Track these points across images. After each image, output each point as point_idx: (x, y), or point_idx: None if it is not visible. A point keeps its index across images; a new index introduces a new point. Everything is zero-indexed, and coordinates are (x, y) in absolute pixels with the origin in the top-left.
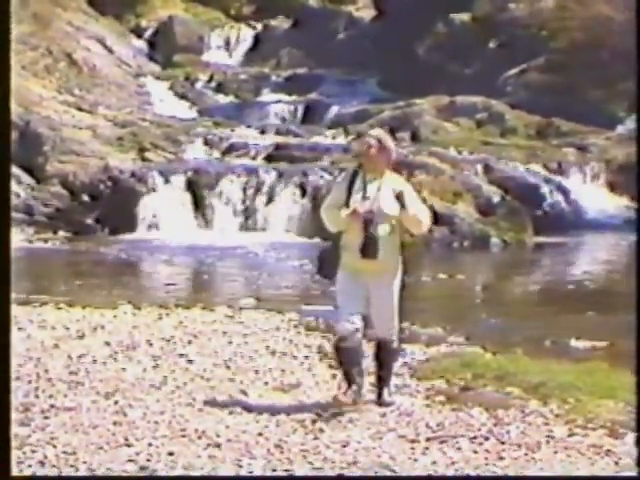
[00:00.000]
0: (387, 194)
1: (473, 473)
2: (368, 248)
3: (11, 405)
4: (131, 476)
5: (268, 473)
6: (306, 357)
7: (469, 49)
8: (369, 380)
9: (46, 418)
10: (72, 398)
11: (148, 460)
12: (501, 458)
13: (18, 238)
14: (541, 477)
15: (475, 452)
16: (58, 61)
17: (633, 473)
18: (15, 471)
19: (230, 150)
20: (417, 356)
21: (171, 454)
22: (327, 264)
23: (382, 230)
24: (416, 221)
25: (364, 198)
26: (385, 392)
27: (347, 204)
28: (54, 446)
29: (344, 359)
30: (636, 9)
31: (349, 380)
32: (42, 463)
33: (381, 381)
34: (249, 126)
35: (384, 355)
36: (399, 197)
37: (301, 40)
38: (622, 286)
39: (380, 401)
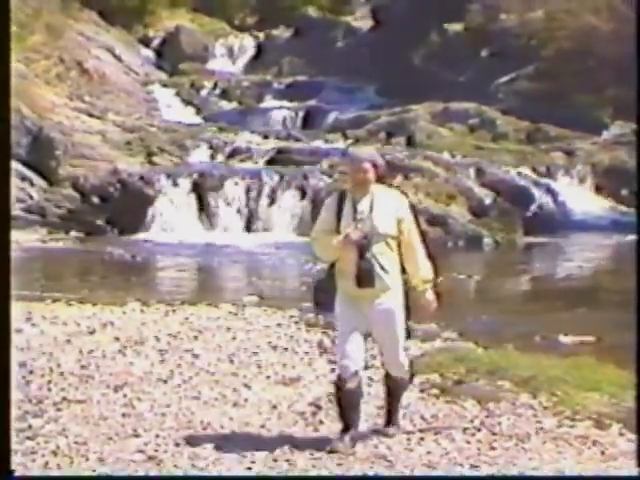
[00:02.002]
0: (381, 211)
1: (466, 463)
2: (364, 277)
3: (11, 405)
4: (131, 476)
5: (270, 463)
6: (306, 352)
7: (462, 58)
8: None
9: (58, 410)
10: (83, 391)
11: (155, 450)
12: (492, 448)
13: (32, 238)
14: (543, 477)
15: (468, 443)
16: (70, 69)
17: (617, 463)
18: (28, 460)
19: (234, 154)
20: (412, 351)
21: (177, 445)
22: (324, 295)
23: (378, 251)
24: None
25: (356, 220)
26: (394, 419)
27: (338, 230)
28: (66, 436)
29: (345, 402)
30: (636, 15)
31: (346, 423)
32: (54, 453)
33: (389, 407)
34: (252, 131)
35: (393, 386)
36: (399, 224)
37: (301, 49)
38: (608, 284)
39: (384, 430)
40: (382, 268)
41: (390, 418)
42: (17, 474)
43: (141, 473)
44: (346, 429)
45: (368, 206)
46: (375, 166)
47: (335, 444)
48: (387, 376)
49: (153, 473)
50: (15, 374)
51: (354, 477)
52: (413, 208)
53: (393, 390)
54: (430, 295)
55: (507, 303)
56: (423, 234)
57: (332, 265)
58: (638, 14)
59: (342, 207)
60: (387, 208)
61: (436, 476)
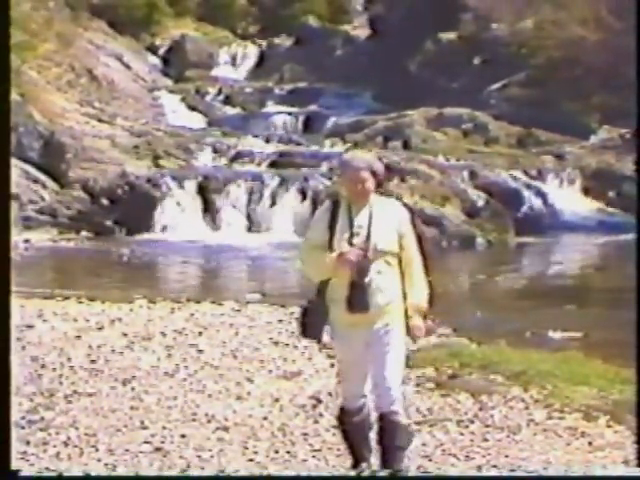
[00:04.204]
0: (381, 225)
1: (459, 454)
2: (355, 300)
3: (11, 406)
4: (135, 476)
5: (272, 454)
6: (306, 347)
7: (456, 65)
8: None
9: (69, 402)
10: (92, 385)
11: (162, 442)
12: (485, 440)
13: (44, 238)
14: (543, 477)
15: (461, 434)
16: (80, 76)
17: (604, 453)
18: (40, 450)
19: (237, 157)
20: (408, 346)
21: (183, 436)
22: (312, 322)
23: (376, 270)
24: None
25: (352, 235)
26: (389, 464)
27: (331, 245)
28: (76, 428)
29: (351, 436)
30: (636, 17)
31: (357, 457)
32: (65, 444)
33: (383, 462)
34: (254, 135)
35: (384, 430)
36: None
37: (302, 57)
38: (595, 282)
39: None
40: (380, 290)
41: (385, 463)
42: (29, 465)
43: (148, 464)
44: (356, 464)
45: (367, 219)
46: (374, 174)
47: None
48: (379, 417)
49: (159, 464)
50: (27, 368)
51: (354, 477)
52: (413, 222)
53: (384, 432)
54: (417, 322)
55: (499, 301)
56: (425, 255)
57: (322, 286)
58: (638, 24)
59: (336, 219)
60: (388, 221)
61: (436, 476)
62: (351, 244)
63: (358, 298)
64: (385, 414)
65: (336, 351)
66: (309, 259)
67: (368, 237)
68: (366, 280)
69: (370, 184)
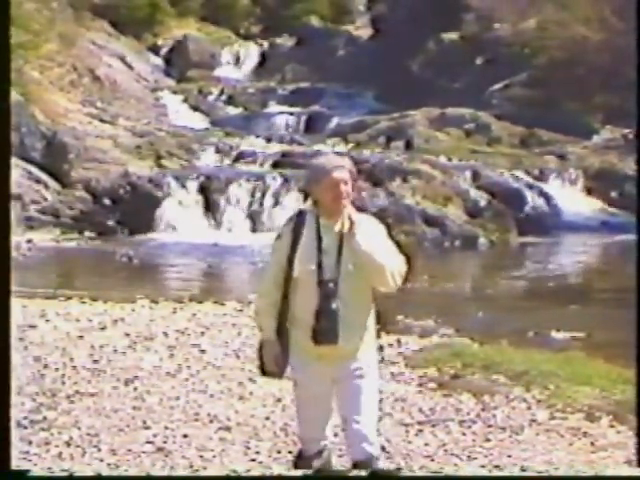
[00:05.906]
0: (353, 242)
1: (462, 454)
2: (322, 329)
3: (10, 406)
4: (138, 476)
5: (274, 454)
6: None
7: (458, 65)
8: None
9: (71, 403)
10: (95, 385)
11: (164, 442)
12: (487, 440)
13: (46, 238)
14: (545, 477)
15: (464, 434)
16: (82, 77)
17: (607, 454)
18: (43, 450)
19: (239, 157)
20: (411, 347)
21: (185, 436)
22: (272, 359)
23: (348, 297)
24: (375, 265)
25: (321, 253)
26: None
27: (289, 271)
28: (79, 428)
29: None
30: (636, 17)
31: None
32: (68, 444)
33: None
34: (257, 135)
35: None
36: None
37: (304, 57)
38: (597, 282)
39: None
40: (351, 321)
41: None
42: (32, 464)
43: (150, 464)
44: None
45: (337, 237)
46: (353, 177)
47: None
48: (355, 464)
49: (161, 464)
50: (30, 368)
51: (354, 477)
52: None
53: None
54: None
55: (501, 301)
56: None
57: (282, 313)
58: (639, 24)
59: (299, 237)
60: (364, 238)
61: (438, 476)
62: (319, 265)
63: (325, 328)
64: (361, 462)
65: (296, 387)
66: (259, 308)
67: (339, 258)
68: (333, 307)
69: (349, 189)
